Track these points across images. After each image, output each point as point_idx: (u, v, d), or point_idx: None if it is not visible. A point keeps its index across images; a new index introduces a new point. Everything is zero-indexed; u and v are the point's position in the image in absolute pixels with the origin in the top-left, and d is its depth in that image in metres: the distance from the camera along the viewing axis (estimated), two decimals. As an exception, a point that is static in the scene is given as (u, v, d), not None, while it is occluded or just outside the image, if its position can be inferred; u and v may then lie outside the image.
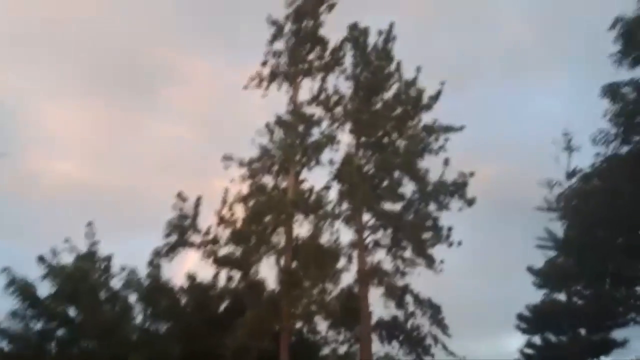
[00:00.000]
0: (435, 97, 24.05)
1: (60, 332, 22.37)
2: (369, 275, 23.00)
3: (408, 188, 23.60)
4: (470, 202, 22.81)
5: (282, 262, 22.48)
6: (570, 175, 28.13)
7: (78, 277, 22.07)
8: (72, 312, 22.37)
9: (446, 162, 22.97)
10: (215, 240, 22.00)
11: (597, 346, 30.27)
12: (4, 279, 21.19)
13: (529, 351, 31.86)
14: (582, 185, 23.09)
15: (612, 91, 20.03)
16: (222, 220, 21.99)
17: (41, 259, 22.23)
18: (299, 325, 23.55)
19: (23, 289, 21.30)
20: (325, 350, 25.42)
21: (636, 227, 19.71)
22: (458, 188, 22.65)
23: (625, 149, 20.39)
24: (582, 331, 30.56)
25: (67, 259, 22.87)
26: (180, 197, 22.06)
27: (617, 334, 29.81)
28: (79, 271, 22.42)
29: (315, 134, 24.41)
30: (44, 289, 22.08)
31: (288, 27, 25.03)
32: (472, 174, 22.73)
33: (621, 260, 19.90)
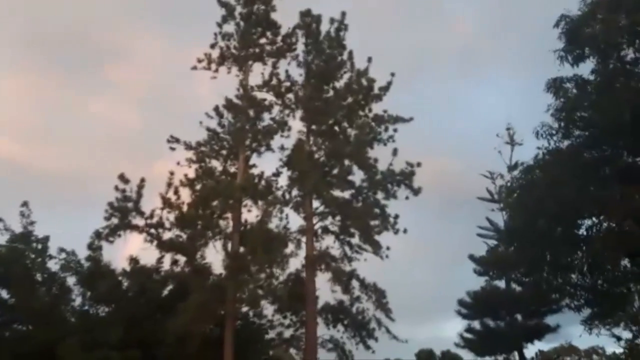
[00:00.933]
0: (386, 88, 24.23)
1: (-10, 315, 21.46)
2: (317, 260, 23.14)
3: (357, 176, 23.86)
4: (417, 192, 23.28)
5: (229, 246, 22.24)
6: (512, 168, 29.30)
7: (11, 259, 21.15)
8: (4, 294, 21.47)
9: (395, 152, 23.32)
10: (159, 224, 21.43)
11: (532, 331, 31.93)
12: None
13: (468, 335, 33.21)
14: (524, 176, 23.91)
15: (555, 86, 20.71)
16: (167, 204, 21.43)
17: (-29, 239, 21.09)
18: (244, 309, 23.47)
19: (-50, 271, 20.20)
20: (271, 334, 25.61)
21: (575, 218, 20.60)
22: (405, 177, 23.03)
23: (566, 143, 21.22)
24: (519, 317, 32.13)
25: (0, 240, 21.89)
26: (122, 178, 21.28)
27: (551, 320, 31.60)
28: (13, 252, 21.50)
29: (266, 119, 24.20)
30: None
31: (239, 10, 24.48)
32: (419, 164, 23.16)
33: (559, 249, 20.77)
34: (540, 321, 32.23)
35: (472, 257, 32.31)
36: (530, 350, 33.52)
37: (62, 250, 22.67)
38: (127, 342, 19.75)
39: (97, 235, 21.59)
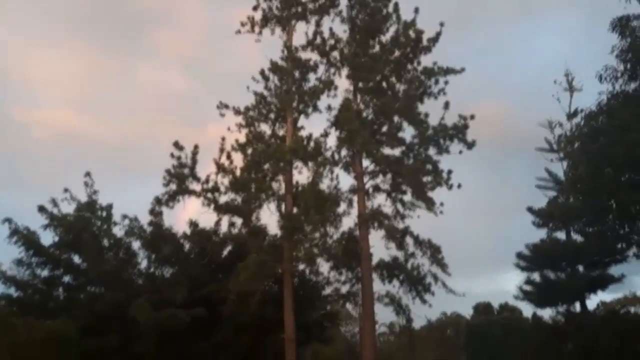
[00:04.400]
0: (435, 39, 23.00)
1: (66, 279, 23.12)
2: (369, 218, 23.15)
3: (408, 133, 23.29)
4: (471, 145, 22.51)
5: (283, 208, 22.63)
6: (571, 115, 27.68)
7: (80, 226, 22.49)
8: (76, 259, 22.98)
9: (446, 105, 22.37)
10: (215, 189, 21.98)
11: (595, 282, 30.98)
12: (6, 229, 21.64)
13: (527, 288, 32.69)
14: (587, 123, 22.66)
15: (621, 25, 19.20)
16: (220, 169, 21.88)
17: (42, 209, 22.53)
18: (301, 267, 24.04)
19: (26, 238, 21.76)
20: (328, 290, 26.23)
21: (643, 163, 19.47)
22: (458, 131, 22.25)
23: (632, 86, 19.81)
24: (580, 268, 31.19)
25: (67, 208, 23.26)
26: (177, 145, 21.83)
27: (615, 270, 30.50)
28: (81, 220, 22.83)
29: (312, 79, 23.80)
30: (47, 238, 22.63)
31: (279, -32, 23.84)
32: (472, 117, 22.25)
33: (627, 196, 19.79)
34: (603, 272, 31.16)
35: (530, 209, 31.33)
36: (593, 301, 32.67)
37: (125, 216, 23.91)
38: (192, 301, 20.82)
39: (157, 201, 22.45)
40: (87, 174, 23.68)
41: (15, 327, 17.95)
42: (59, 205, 22.95)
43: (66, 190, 23.25)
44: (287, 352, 21.24)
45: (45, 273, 22.49)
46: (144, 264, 24.33)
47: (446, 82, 22.77)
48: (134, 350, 19.69)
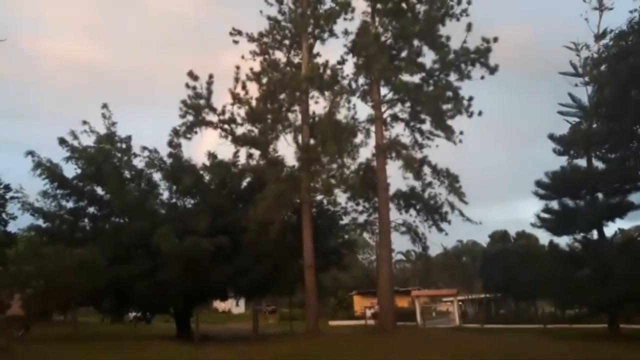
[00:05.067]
0: (457, -46, 21.77)
1: (91, 210, 23.72)
2: (387, 148, 23.01)
3: (428, 58, 22.54)
4: (493, 70, 21.78)
5: (300, 139, 22.52)
6: (600, 36, 26.18)
7: (101, 158, 22.72)
8: (99, 191, 23.43)
9: (469, 27, 21.37)
10: (231, 120, 21.87)
11: (614, 209, 30.72)
12: (29, 161, 21.98)
13: (545, 216, 32.58)
14: (616, 44, 21.54)
15: None
16: (236, 99, 21.64)
17: (62, 141, 22.70)
18: (319, 197, 24.30)
19: (50, 171, 22.13)
20: (345, 220, 26.67)
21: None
22: (480, 55, 21.46)
23: (669, 3, 18.55)
24: (600, 195, 30.85)
25: (86, 140, 23.43)
26: (192, 75, 21.51)
27: (635, 197, 30.09)
28: (101, 152, 23.03)
29: (327, 1, 22.92)
30: (69, 171, 23.01)
31: None
32: (495, 40, 21.34)
33: (654, 120, 19.16)
34: (623, 199, 30.79)
35: (552, 137, 30.57)
36: (611, 228, 32.66)
37: (145, 148, 24.02)
38: (214, 230, 21.29)
39: (175, 132, 22.53)
40: (105, 106, 23.58)
41: (45, 255, 18.69)
42: (78, 137, 23.11)
43: (85, 122, 23.31)
44: (306, 277, 21.98)
45: (70, 204, 23.04)
46: (165, 195, 24.76)
47: (469, 2, 21.69)
48: (159, 277, 20.45)
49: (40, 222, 22.23)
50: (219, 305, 55.59)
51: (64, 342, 17.71)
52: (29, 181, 23.98)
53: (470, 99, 22.04)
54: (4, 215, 17.17)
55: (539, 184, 32.51)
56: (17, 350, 13.59)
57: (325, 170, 21.31)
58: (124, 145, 23.88)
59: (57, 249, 19.09)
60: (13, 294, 21.16)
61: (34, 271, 18.78)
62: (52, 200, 22.42)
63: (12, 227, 23.64)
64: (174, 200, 24.80)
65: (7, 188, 16.53)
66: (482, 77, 21.88)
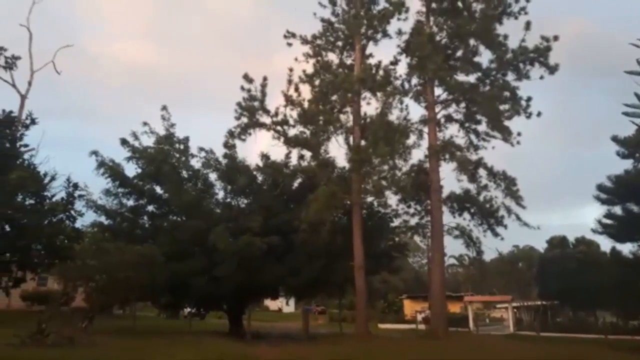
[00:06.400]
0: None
1: (150, 208, 24.73)
2: (440, 150, 22.59)
3: (484, 57, 21.93)
4: (553, 69, 20.90)
5: (351, 140, 22.51)
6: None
7: (160, 158, 23.67)
8: (158, 190, 24.38)
9: (527, 25, 20.62)
10: (284, 122, 22.14)
11: (683, 215, 28.85)
12: (93, 161, 23.15)
13: (607, 221, 31.04)
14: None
15: None
16: (289, 101, 21.88)
17: (124, 141, 23.79)
18: (370, 199, 24.19)
19: (112, 170, 23.25)
20: (396, 222, 26.40)
21: None
22: (540, 54, 20.64)
23: None
24: (669, 200, 29.04)
25: (146, 141, 24.43)
26: (247, 78, 21.94)
27: None
28: (161, 152, 23.99)
29: (381, 2, 22.73)
30: (130, 170, 24.08)
31: None
32: (556, 38, 20.47)
33: None
34: (693, 205, 28.84)
35: (615, 139, 29.08)
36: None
37: (201, 149, 24.84)
38: (267, 229, 21.70)
39: (230, 134, 23.06)
40: (164, 108, 24.55)
41: (108, 250, 19.60)
42: (139, 138, 24.16)
43: (145, 123, 24.36)
44: (356, 278, 21.90)
45: (130, 202, 24.15)
46: (220, 194, 25.44)
47: (528, 0, 20.98)
48: (214, 274, 21.03)
49: (103, 219, 23.41)
50: (270, 303, 56.39)
51: (124, 335, 18.50)
52: (92, 180, 25.21)
53: (529, 99, 21.28)
54: (73, 212, 18.21)
55: (601, 188, 31.00)
56: (82, 340, 14.26)
57: (376, 172, 21.15)
58: (181, 146, 24.77)
59: (118, 245, 20.02)
60: (77, 287, 22.36)
61: (97, 266, 19.75)
62: (114, 198, 23.59)
63: (78, 224, 24.93)
64: (228, 199, 25.48)
65: (75, 186, 17.55)
66: (542, 77, 21.08)
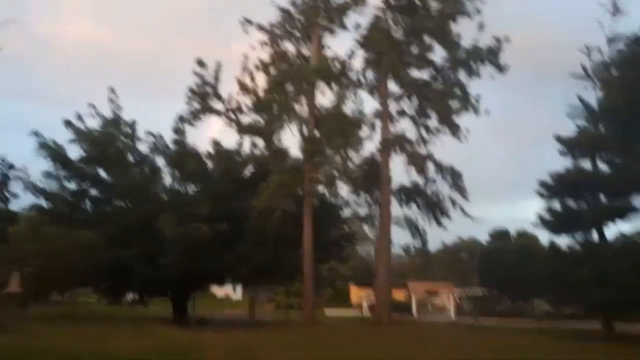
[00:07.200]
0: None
1: (93, 192, 23.79)
2: (392, 143, 22.94)
3: (438, 55, 22.39)
4: (503, 69, 21.66)
5: (305, 130, 22.45)
6: (612, 40, 25.96)
7: (105, 141, 22.75)
8: (102, 174, 23.47)
9: (481, 26, 21.32)
10: (237, 109, 21.81)
11: (615, 211, 30.67)
12: (34, 142, 22.00)
13: (547, 215, 32.55)
14: (629, 48, 21.39)
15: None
16: (243, 88, 21.56)
17: (68, 123, 22.70)
18: (321, 189, 24.30)
19: (54, 152, 22.17)
20: (347, 212, 26.67)
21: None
22: (491, 54, 21.32)
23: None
24: (602, 198, 30.77)
25: (92, 123, 23.42)
26: (200, 63, 21.43)
27: (638, 201, 29.99)
28: (106, 135, 23.05)
29: (340, -6, 22.68)
30: (73, 152, 23.04)
31: None
32: (507, 39, 21.23)
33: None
34: (625, 202, 30.73)
35: (558, 138, 30.44)
36: (612, 231, 32.57)
37: (149, 133, 24.04)
38: (216, 217, 21.34)
39: (181, 119, 22.49)
40: (112, 90, 23.56)
41: (46, 235, 18.74)
42: (84, 120, 23.12)
43: (91, 105, 23.32)
44: (305, 266, 22.08)
45: (73, 186, 23.13)
46: (168, 180, 24.77)
47: (482, 1, 21.50)
48: (159, 260, 20.55)
49: (43, 202, 22.34)
50: (217, 291, 55.90)
51: (62, 322, 17.82)
52: (32, 161, 23.98)
53: (478, 97, 21.96)
54: (6, 193, 17.29)
55: (542, 184, 32.37)
56: (13, 328, 13.66)
57: (328, 162, 21.30)
58: (129, 130, 23.88)
59: (57, 229, 19.18)
60: (12, 271, 21.25)
61: (34, 250, 18.87)
62: (55, 181, 22.51)
63: (14, 206, 23.75)
64: (176, 186, 24.83)
65: (11, 167, 16.69)
66: (492, 77, 21.75)
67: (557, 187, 31.94)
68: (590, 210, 31.21)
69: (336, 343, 15.68)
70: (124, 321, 20.03)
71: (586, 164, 31.48)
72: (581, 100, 29.63)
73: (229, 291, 56.10)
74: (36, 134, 21.91)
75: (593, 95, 28.75)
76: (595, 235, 32.10)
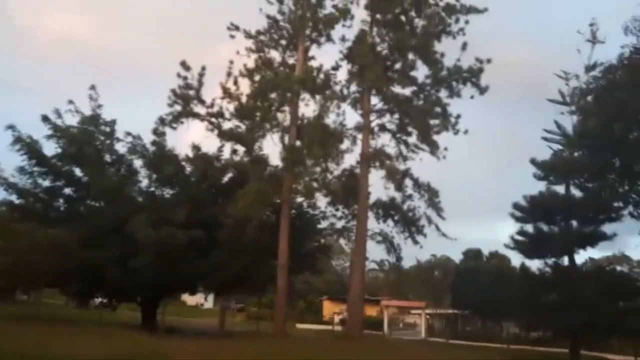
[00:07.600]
0: (459, -26, 22.05)
1: (67, 191, 23.27)
2: (372, 157, 23.11)
3: (421, 72, 22.75)
4: (483, 90, 22.11)
5: (287, 139, 22.48)
6: (590, 68, 26.78)
7: (83, 139, 22.32)
8: (78, 172, 23.01)
9: (464, 46, 21.73)
10: (219, 114, 21.74)
11: (586, 237, 31.29)
12: (9, 136, 21.52)
13: (519, 238, 33.04)
14: (605, 77, 22.08)
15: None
16: (227, 94, 21.51)
17: (45, 118, 22.26)
18: (299, 200, 24.28)
19: (29, 147, 21.68)
20: (323, 224, 26.66)
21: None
22: (473, 75, 21.75)
23: (659, 41, 19.08)
24: (574, 223, 31.41)
25: (70, 120, 23.01)
26: (184, 65, 21.33)
27: (608, 228, 30.71)
28: (84, 133, 22.64)
29: (328, 6, 22.92)
30: (49, 149, 22.56)
31: None
32: (489, 61, 21.68)
33: (631, 154, 19.65)
34: (596, 228, 31.39)
35: (533, 162, 31.08)
36: (582, 256, 33.22)
37: (128, 134, 23.67)
38: (191, 222, 21.06)
39: (161, 121, 22.29)
40: (92, 88, 23.20)
41: (16, 231, 18.25)
42: (62, 116, 22.69)
43: (70, 102, 22.91)
44: (278, 278, 21.91)
45: (46, 183, 22.57)
46: (144, 182, 24.42)
47: (467, 22, 22.01)
48: (131, 264, 20.13)
49: (14, 198, 21.79)
50: (188, 299, 55.08)
51: (25, 322, 17.27)
52: (6, 156, 23.36)
53: (458, 116, 22.36)
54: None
55: (516, 206, 32.86)
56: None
57: (308, 173, 21.31)
58: (107, 129, 23.50)
59: (28, 226, 18.69)
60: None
61: (2, 246, 18.34)
62: (28, 177, 21.97)
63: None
64: (152, 188, 24.48)
65: (-18, 160, 16.31)
66: (472, 97, 22.18)
67: (530, 210, 32.46)
68: (561, 234, 31.79)
69: (304, 355, 15.59)
70: (90, 324, 19.55)
71: (560, 189, 32.13)
72: (558, 125, 30.36)
73: (200, 299, 55.32)
74: (12, 127, 21.43)
75: (569, 121, 29.52)
76: (566, 260, 32.66)
